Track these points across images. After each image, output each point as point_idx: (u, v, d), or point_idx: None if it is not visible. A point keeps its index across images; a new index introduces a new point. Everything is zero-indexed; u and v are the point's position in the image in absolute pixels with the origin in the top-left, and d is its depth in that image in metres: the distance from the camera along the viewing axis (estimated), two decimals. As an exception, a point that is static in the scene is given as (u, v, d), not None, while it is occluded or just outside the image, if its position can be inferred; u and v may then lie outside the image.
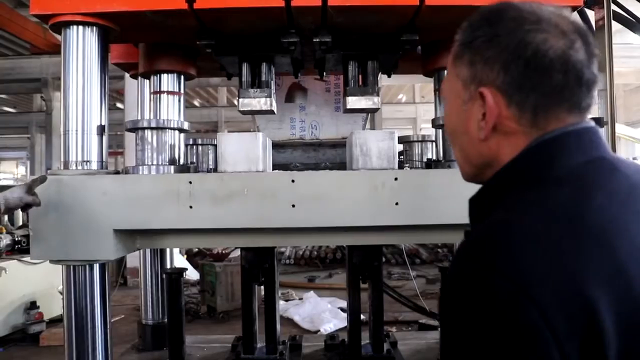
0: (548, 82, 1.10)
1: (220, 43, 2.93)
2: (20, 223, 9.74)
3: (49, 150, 19.14)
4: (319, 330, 8.07)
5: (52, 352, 7.51)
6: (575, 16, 1.15)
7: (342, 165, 3.52)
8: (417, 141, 3.36)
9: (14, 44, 16.67)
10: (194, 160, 3.31)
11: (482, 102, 1.16)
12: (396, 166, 2.81)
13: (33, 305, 8.25)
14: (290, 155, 3.88)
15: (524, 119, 1.13)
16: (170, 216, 2.65)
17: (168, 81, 3.39)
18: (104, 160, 2.76)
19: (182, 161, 3.11)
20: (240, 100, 3.05)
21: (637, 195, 1.07)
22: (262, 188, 2.65)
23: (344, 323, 7.98)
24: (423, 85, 22.43)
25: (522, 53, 1.10)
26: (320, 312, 8.88)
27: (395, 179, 2.66)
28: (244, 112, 3.09)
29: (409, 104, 25.16)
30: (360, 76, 3.14)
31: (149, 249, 4.04)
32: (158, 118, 3.31)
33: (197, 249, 13.56)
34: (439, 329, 1.04)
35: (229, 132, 3.25)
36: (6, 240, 8.39)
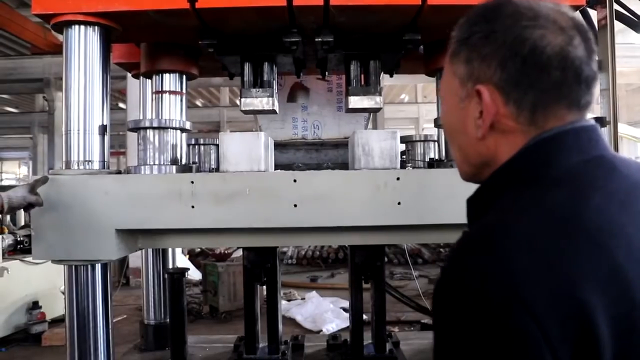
0: (546, 79, 1.08)
1: (222, 43, 2.93)
2: (23, 223, 9.76)
3: (51, 151, 19.16)
4: (321, 330, 8.07)
5: (54, 352, 7.51)
6: (577, 14, 1.14)
7: (344, 166, 3.52)
8: (420, 141, 3.35)
9: (15, 44, 16.68)
10: (196, 160, 3.31)
11: (479, 100, 1.14)
12: (398, 166, 2.80)
13: (35, 305, 8.26)
14: (293, 156, 3.88)
15: (522, 117, 1.11)
16: (172, 216, 2.65)
17: (170, 81, 3.39)
18: (105, 160, 2.75)
19: (184, 161, 3.11)
20: (243, 100, 3.04)
21: (636, 195, 1.05)
22: (264, 188, 2.65)
23: (346, 323, 7.97)
24: (425, 85, 22.43)
25: (520, 50, 1.08)
26: (322, 312, 8.88)
27: (398, 178, 2.65)
28: (246, 112, 3.09)
29: (411, 103, 25.13)
30: (362, 76, 3.14)
31: (151, 249, 4.04)
32: (160, 118, 3.31)
33: (199, 249, 13.56)
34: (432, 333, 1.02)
35: (231, 132, 3.25)
36: (8, 240, 8.41)
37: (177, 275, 3.68)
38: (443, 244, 13.96)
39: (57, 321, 8.32)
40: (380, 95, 3.10)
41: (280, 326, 3.75)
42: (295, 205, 2.63)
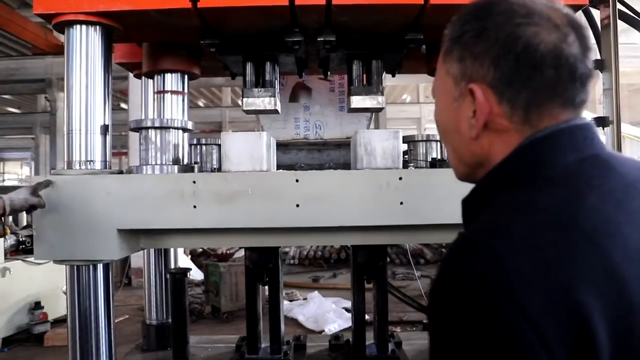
0: (540, 77, 1.06)
1: (224, 42, 2.93)
2: (25, 223, 9.75)
3: (53, 151, 19.19)
4: (323, 331, 8.07)
5: (56, 352, 7.52)
6: (572, 11, 1.12)
7: (346, 166, 3.51)
8: (422, 141, 3.34)
9: (16, 44, 16.71)
10: (198, 160, 3.30)
11: (472, 99, 1.12)
12: (400, 166, 2.80)
13: (37, 305, 8.27)
14: (295, 157, 3.87)
15: (516, 116, 1.09)
16: (174, 216, 2.64)
17: (172, 81, 3.39)
18: (107, 160, 2.75)
19: (186, 161, 3.10)
20: (245, 99, 3.04)
21: (632, 194, 1.03)
22: (266, 188, 2.64)
23: (348, 323, 7.97)
24: (427, 85, 22.40)
25: (513, 47, 1.07)
26: (324, 312, 8.89)
27: (400, 178, 2.65)
28: (248, 112, 3.09)
29: (413, 104, 25.13)
30: (364, 75, 3.13)
31: (153, 249, 4.04)
32: (162, 118, 3.30)
33: (201, 249, 13.56)
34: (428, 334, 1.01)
35: (233, 132, 3.25)
36: (10, 240, 8.41)
37: (179, 275, 3.67)
38: (445, 244, 13.90)
39: (59, 321, 8.33)
40: (382, 94, 3.09)
41: (283, 326, 3.75)
42: (297, 205, 2.63)
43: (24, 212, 8.30)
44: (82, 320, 2.67)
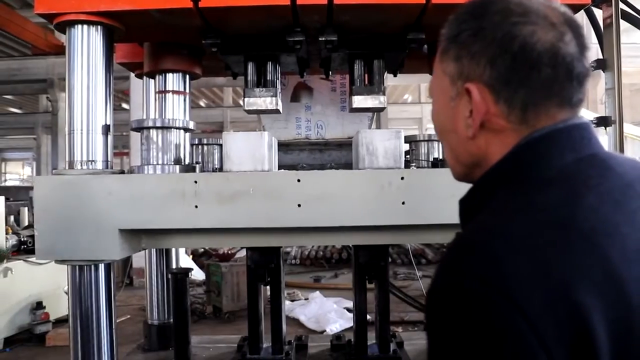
0: (537, 76, 1.06)
1: (226, 42, 2.93)
2: (26, 223, 9.77)
3: (55, 151, 19.23)
4: (325, 331, 8.08)
5: (58, 352, 7.55)
6: (569, 10, 1.12)
7: (347, 167, 3.51)
8: (424, 140, 3.33)
9: (18, 44, 16.74)
10: (199, 160, 3.30)
11: (469, 98, 1.12)
12: (402, 165, 2.79)
13: (39, 305, 8.29)
14: (297, 157, 3.87)
15: (513, 115, 1.09)
16: (176, 216, 2.64)
17: (173, 80, 3.39)
18: (109, 160, 2.75)
19: (187, 161, 3.10)
20: (246, 99, 3.04)
21: (630, 194, 1.03)
22: (267, 187, 2.64)
23: (349, 323, 7.98)
24: (429, 85, 22.41)
25: (509, 47, 1.06)
26: (326, 312, 8.90)
27: (402, 178, 2.64)
28: (249, 112, 3.08)
29: (415, 104, 25.16)
30: (366, 75, 3.13)
31: (154, 249, 4.04)
32: (163, 117, 3.30)
33: (202, 249, 13.59)
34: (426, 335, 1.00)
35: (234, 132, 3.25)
36: (12, 240, 8.43)
37: (180, 275, 3.67)
38: (446, 244, 13.91)
39: (61, 321, 8.36)
40: (384, 94, 3.08)
41: (284, 326, 3.75)
42: (299, 205, 2.62)
43: (26, 212, 8.31)
44: (83, 320, 2.67)
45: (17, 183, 34.67)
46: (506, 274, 0.90)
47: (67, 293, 2.79)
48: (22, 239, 8.61)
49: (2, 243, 8.05)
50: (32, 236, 8.36)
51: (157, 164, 2.87)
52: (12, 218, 9.39)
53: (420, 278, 9.23)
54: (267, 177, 2.68)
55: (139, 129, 2.93)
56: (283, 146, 3.75)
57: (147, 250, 3.95)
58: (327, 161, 3.85)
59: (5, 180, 36.69)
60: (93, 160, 2.67)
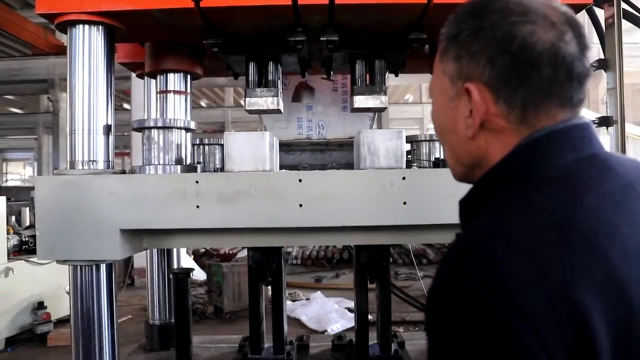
0: (536, 76, 1.05)
1: (227, 42, 2.93)
2: (28, 223, 9.77)
3: (56, 151, 19.23)
4: (326, 331, 8.08)
5: (59, 352, 7.54)
6: (570, 9, 1.11)
7: (348, 167, 3.51)
8: (425, 140, 3.33)
9: (19, 44, 16.75)
10: (201, 160, 3.30)
11: (468, 98, 1.11)
12: (404, 165, 2.79)
13: (40, 305, 8.29)
14: (299, 157, 3.87)
15: (513, 115, 1.09)
16: (177, 216, 2.64)
17: (174, 80, 3.39)
18: (110, 160, 2.75)
19: (188, 161, 3.10)
20: (247, 99, 3.03)
21: (631, 195, 1.02)
22: (269, 187, 2.64)
23: (351, 323, 7.98)
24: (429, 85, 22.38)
25: (509, 46, 1.06)
26: (327, 312, 8.89)
27: (403, 178, 2.64)
28: (250, 112, 3.08)
29: (416, 104, 25.14)
30: (367, 75, 3.12)
31: (156, 249, 4.04)
32: (164, 118, 3.30)
33: (204, 249, 13.59)
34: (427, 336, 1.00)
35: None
36: (13, 240, 8.43)
37: (181, 275, 3.67)
38: (447, 244, 13.90)
39: (63, 321, 8.36)
40: (385, 94, 3.08)
41: (286, 326, 3.75)
42: (300, 205, 2.62)
43: (27, 212, 8.30)
44: (85, 320, 2.67)
45: (18, 183, 34.71)
46: (506, 275, 0.89)
47: (68, 293, 2.80)
48: (24, 239, 8.61)
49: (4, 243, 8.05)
50: (34, 236, 8.37)
51: (159, 164, 2.87)
52: (13, 218, 9.39)
53: (422, 278, 9.23)
54: (268, 177, 2.68)
55: (141, 129, 2.93)
56: (284, 146, 3.75)
57: (148, 251, 3.95)
58: (328, 161, 3.85)
59: (7, 181, 36.71)
60: (94, 161, 2.67)
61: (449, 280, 0.96)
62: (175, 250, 4.21)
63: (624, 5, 3.92)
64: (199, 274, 11.22)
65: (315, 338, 4.28)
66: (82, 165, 2.67)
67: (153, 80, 3.68)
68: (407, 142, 3.17)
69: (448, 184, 2.55)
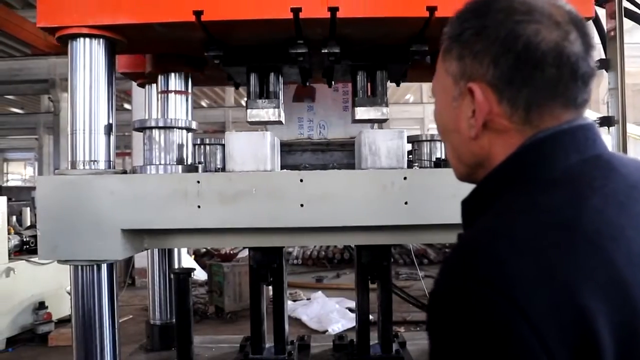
0: (540, 76, 1.04)
1: (228, 54, 2.94)
2: (29, 223, 9.78)
3: (56, 151, 19.23)
4: (327, 331, 8.08)
5: (60, 352, 7.55)
6: (574, 8, 1.10)
7: (349, 167, 3.50)
8: (426, 140, 3.33)
9: (20, 44, 16.74)
10: (202, 160, 3.30)
11: (471, 98, 1.10)
12: (405, 165, 2.79)
13: (41, 305, 8.30)
14: (300, 158, 3.86)
15: (516, 115, 1.07)
16: (178, 216, 2.64)
17: (175, 80, 3.39)
18: (111, 160, 2.75)
19: (190, 161, 3.10)
20: (249, 111, 3.05)
21: (635, 196, 1.01)
22: (270, 187, 2.64)
23: (351, 323, 7.98)
24: (430, 85, 22.37)
25: (513, 46, 1.05)
26: (328, 312, 8.90)
27: (405, 178, 2.64)
28: (252, 123, 3.09)
29: (417, 104, 25.10)
30: (369, 85, 3.14)
31: (157, 249, 4.04)
32: (166, 117, 3.30)
33: (204, 249, 13.59)
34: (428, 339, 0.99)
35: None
36: (14, 240, 8.44)
37: (182, 275, 3.67)
38: (449, 244, 13.92)
39: (64, 321, 8.36)
40: (387, 105, 3.09)
41: (287, 326, 3.75)
42: (301, 205, 2.62)
43: (28, 212, 8.31)
44: (86, 320, 2.67)
45: (19, 183, 34.72)
46: (509, 275, 0.88)
47: (69, 293, 2.79)
48: (25, 239, 8.62)
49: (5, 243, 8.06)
50: (35, 236, 8.38)
51: (160, 164, 2.87)
52: (14, 218, 9.40)
53: (423, 278, 9.22)
54: (269, 177, 2.68)
55: (142, 128, 2.93)
56: (285, 146, 3.75)
57: (149, 251, 3.95)
58: (329, 161, 3.85)
59: (7, 181, 36.71)
60: (95, 160, 2.67)
61: (452, 281, 0.95)
62: (176, 250, 4.21)
63: (625, 4, 3.92)
64: (200, 274, 11.23)
65: (316, 338, 4.28)
66: (83, 165, 2.67)
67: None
68: (408, 142, 3.17)
69: (449, 184, 2.58)
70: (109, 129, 2.72)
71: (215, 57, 2.91)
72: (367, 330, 3.62)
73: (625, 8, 3.90)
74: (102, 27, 2.64)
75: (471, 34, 1.11)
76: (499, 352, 0.86)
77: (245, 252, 10.19)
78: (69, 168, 2.70)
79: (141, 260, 10.13)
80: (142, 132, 2.96)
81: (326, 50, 2.83)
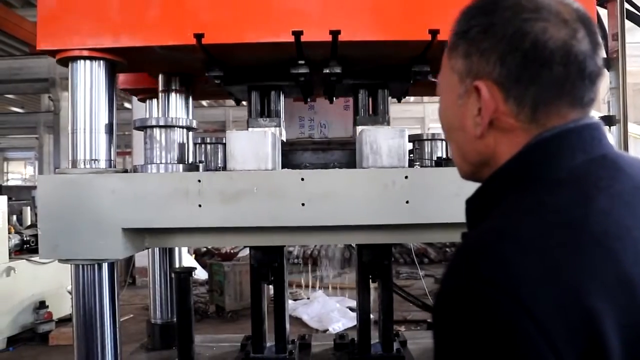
0: (548, 74, 1.03)
1: (229, 73, 2.95)
2: (29, 223, 9.78)
3: (57, 150, 19.21)
4: (328, 330, 8.08)
5: (61, 351, 7.55)
6: (582, 6, 1.09)
7: (350, 166, 3.50)
8: (427, 139, 3.33)
9: (20, 43, 16.72)
10: (203, 159, 3.30)
11: (477, 96, 1.09)
12: (406, 164, 2.78)
13: (42, 304, 8.30)
14: (301, 157, 3.86)
15: (523, 114, 1.06)
16: (179, 215, 2.63)
17: (176, 80, 3.40)
18: (112, 159, 2.75)
19: (190, 160, 3.10)
20: (250, 129, 3.06)
21: None
22: (271, 186, 2.63)
23: (352, 322, 7.98)
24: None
25: (520, 44, 1.04)
26: (328, 312, 8.90)
27: (406, 177, 2.63)
28: None
29: (417, 103, 25.02)
30: (370, 102, 3.17)
31: (157, 248, 4.04)
32: (166, 116, 3.30)
33: (205, 249, 13.59)
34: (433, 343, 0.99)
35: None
36: (15, 240, 8.44)
37: (183, 274, 3.67)
38: (449, 243, 13.95)
39: (64, 320, 8.37)
40: (388, 124, 3.12)
41: (287, 325, 3.74)
42: (302, 204, 2.62)
43: (29, 211, 8.31)
44: (87, 319, 2.66)
45: (19, 182, 34.74)
46: (516, 277, 0.88)
47: (70, 292, 2.79)
48: (25, 239, 8.62)
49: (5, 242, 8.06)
50: (35, 235, 8.38)
51: (161, 162, 2.86)
52: (14, 217, 9.41)
53: (423, 277, 9.24)
54: (270, 176, 2.68)
55: (143, 127, 2.93)
56: (286, 145, 3.74)
57: (150, 250, 3.95)
58: (330, 160, 3.84)
59: (8, 180, 36.71)
60: (96, 159, 2.67)
61: (457, 281, 0.95)
62: (176, 249, 4.21)
63: (626, 5, 3.91)
64: (200, 273, 11.23)
65: (317, 337, 4.29)
66: (84, 164, 2.67)
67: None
68: (409, 141, 3.17)
69: (451, 183, 2.58)
70: (109, 127, 2.71)
71: (216, 78, 2.92)
72: (368, 329, 3.62)
73: (626, 9, 3.89)
74: (103, 50, 2.65)
75: (478, 32, 1.10)
76: (505, 353, 0.86)
77: (246, 251, 10.20)
78: (70, 167, 2.70)
79: (142, 259, 10.14)
80: (142, 131, 2.95)
81: (328, 71, 2.84)
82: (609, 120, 3.81)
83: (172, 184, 2.64)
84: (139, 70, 3.44)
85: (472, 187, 1.21)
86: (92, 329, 2.67)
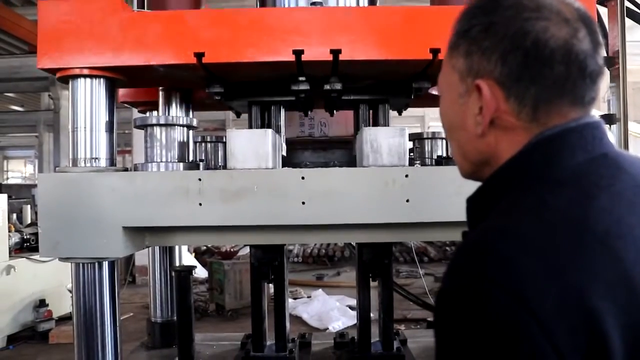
0: (549, 73, 1.04)
1: (229, 89, 2.97)
2: (29, 221, 9.77)
3: (57, 149, 19.17)
4: (328, 328, 8.09)
5: (61, 349, 7.55)
6: (583, 5, 1.09)
7: (350, 165, 3.50)
8: (428, 138, 3.33)
9: (19, 42, 16.71)
10: (203, 158, 3.30)
11: (478, 95, 1.10)
12: (407, 163, 2.78)
13: (42, 303, 8.30)
14: (302, 155, 3.86)
15: (524, 113, 1.07)
16: (180, 213, 2.63)
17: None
18: (112, 157, 2.75)
19: (191, 158, 3.10)
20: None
21: None
22: (271, 185, 2.63)
23: (352, 321, 7.99)
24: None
25: (521, 43, 1.04)
26: (328, 310, 8.90)
27: (406, 175, 2.63)
28: None
29: (417, 101, 25.04)
30: (370, 113, 3.19)
31: (157, 247, 4.04)
32: (167, 115, 3.30)
33: (205, 247, 13.58)
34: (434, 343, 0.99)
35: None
36: (15, 238, 8.44)
37: (183, 273, 3.67)
38: (449, 242, 13.96)
39: (64, 319, 8.37)
40: None
41: (288, 324, 3.75)
42: (303, 203, 2.61)
43: (29, 210, 8.30)
44: (87, 317, 2.66)
45: (19, 181, 34.70)
46: (516, 275, 0.88)
47: (70, 291, 2.79)
48: (25, 237, 8.62)
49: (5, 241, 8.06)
50: (35, 234, 8.39)
51: (161, 161, 2.86)
52: (14, 216, 9.40)
53: (423, 276, 9.24)
54: (271, 174, 2.67)
55: (143, 126, 2.92)
56: (287, 144, 3.74)
57: (150, 248, 3.95)
58: (330, 159, 3.85)
59: (8, 178, 36.68)
60: (97, 158, 2.67)
61: (459, 280, 0.95)
62: (177, 248, 4.21)
63: (626, 4, 3.92)
64: (201, 272, 11.23)
65: (317, 336, 4.29)
66: (85, 163, 2.67)
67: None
68: (409, 139, 3.17)
69: (451, 182, 2.58)
70: (110, 126, 2.71)
71: (216, 94, 2.94)
72: (368, 328, 3.62)
73: (626, 7, 3.90)
74: (103, 68, 2.66)
75: (479, 30, 1.10)
76: (508, 352, 0.86)
77: (246, 250, 10.21)
78: (70, 165, 2.70)
79: (142, 257, 10.16)
80: (143, 129, 2.95)
81: (328, 87, 2.85)
82: (609, 118, 3.82)
83: (173, 182, 2.64)
84: (139, 85, 3.46)
85: (472, 186, 1.21)
86: (92, 328, 2.67)
